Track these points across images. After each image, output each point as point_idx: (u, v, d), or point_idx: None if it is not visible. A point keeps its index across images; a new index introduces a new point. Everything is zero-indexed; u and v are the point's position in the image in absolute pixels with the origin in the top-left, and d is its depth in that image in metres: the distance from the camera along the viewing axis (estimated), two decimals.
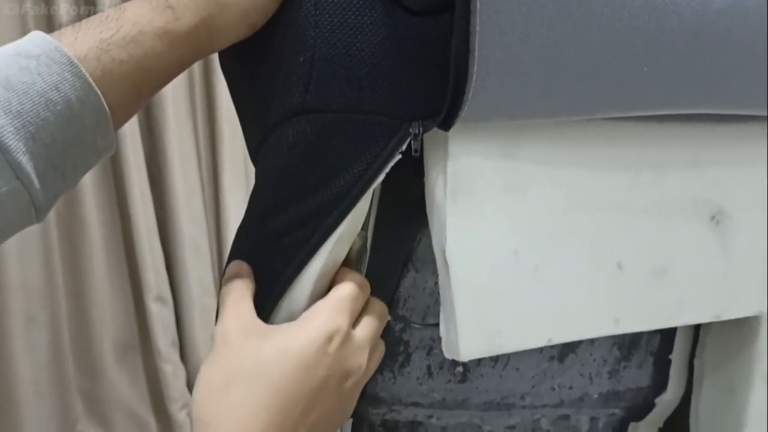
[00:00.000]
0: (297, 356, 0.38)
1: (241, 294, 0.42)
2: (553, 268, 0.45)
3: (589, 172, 0.45)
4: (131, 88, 0.38)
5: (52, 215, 1.42)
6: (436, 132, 0.41)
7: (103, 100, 0.36)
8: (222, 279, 0.45)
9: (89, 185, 1.44)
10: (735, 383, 0.60)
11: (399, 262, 0.54)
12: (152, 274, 1.49)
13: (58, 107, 0.35)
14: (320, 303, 0.41)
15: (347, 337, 0.40)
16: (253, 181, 0.49)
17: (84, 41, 0.36)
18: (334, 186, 0.41)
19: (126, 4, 0.38)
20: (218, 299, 0.44)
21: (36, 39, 0.35)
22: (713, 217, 0.49)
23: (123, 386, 1.54)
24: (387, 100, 0.39)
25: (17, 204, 0.36)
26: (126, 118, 0.41)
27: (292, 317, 0.44)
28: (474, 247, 0.43)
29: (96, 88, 0.35)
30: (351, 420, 0.63)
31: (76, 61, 0.35)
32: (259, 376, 0.37)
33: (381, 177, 0.41)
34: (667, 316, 0.50)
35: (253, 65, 0.45)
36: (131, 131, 1.45)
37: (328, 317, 0.40)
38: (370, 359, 0.43)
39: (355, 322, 0.42)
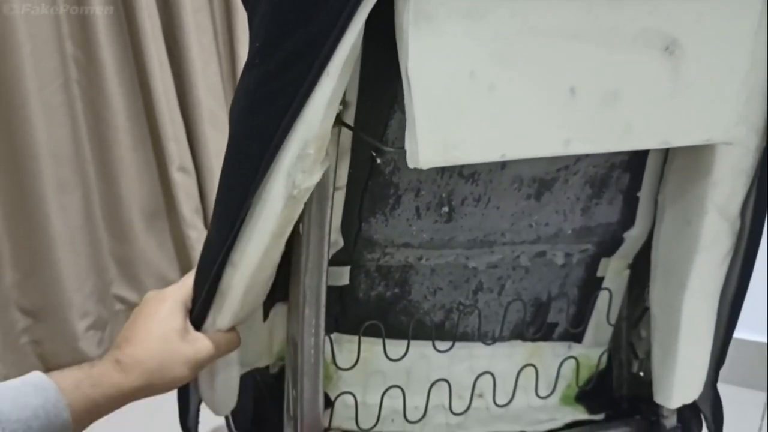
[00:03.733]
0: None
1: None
2: (508, 89, 0.48)
3: (545, 1, 0.47)
4: (91, 405, 0.57)
5: (75, 87, 1.46)
6: None
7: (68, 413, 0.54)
8: None
9: (109, 58, 1.47)
10: (691, 213, 0.64)
11: (386, 103, 0.57)
12: (174, 144, 1.54)
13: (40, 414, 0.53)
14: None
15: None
16: None
17: (66, 377, 0.55)
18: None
19: (97, 362, 0.59)
20: None
21: (35, 377, 0.55)
22: (667, 48, 0.51)
23: (152, 251, 1.63)
24: None
25: None
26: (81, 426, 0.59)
27: (306, 143, 0.49)
28: (433, 67, 0.46)
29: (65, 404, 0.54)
30: (349, 267, 0.68)
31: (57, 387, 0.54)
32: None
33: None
34: (617, 140, 0.52)
35: None
36: (147, 3, 1.45)
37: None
38: None
39: None
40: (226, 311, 0.59)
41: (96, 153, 1.52)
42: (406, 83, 0.47)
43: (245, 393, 0.70)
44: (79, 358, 1.50)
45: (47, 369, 1.50)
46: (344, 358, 0.72)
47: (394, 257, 0.69)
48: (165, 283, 1.64)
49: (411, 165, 0.49)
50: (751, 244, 0.66)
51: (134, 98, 1.54)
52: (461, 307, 0.76)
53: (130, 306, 1.64)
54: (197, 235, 1.62)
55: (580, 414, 0.80)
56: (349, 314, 0.71)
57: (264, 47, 0.49)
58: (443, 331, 0.76)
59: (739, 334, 1.30)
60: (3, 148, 1.36)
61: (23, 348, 1.46)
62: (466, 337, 0.77)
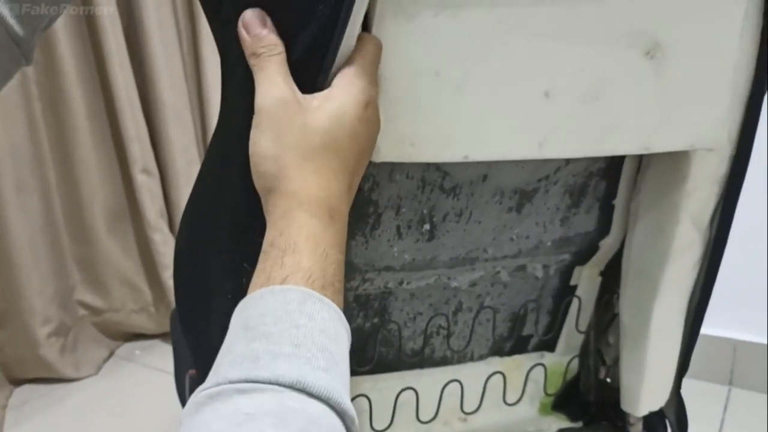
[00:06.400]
0: (349, 126, 0.43)
1: (281, 58, 0.45)
2: (477, 89, 0.46)
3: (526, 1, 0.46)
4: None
5: (33, 87, 1.42)
6: None
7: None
8: (240, 35, 0.46)
9: (68, 55, 1.42)
10: (664, 221, 0.64)
11: None
12: (137, 145, 1.51)
13: None
14: (350, 72, 0.44)
15: (376, 102, 0.46)
16: None
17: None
18: None
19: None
20: (248, 57, 0.46)
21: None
22: (648, 52, 0.49)
23: (116, 254, 1.59)
24: None
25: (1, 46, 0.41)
26: None
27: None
28: (397, 62, 0.45)
29: None
30: None
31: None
32: (326, 146, 0.43)
33: None
34: (595, 143, 0.51)
35: None
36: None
37: (364, 87, 0.44)
38: None
39: None
40: None
41: (56, 154, 1.48)
42: None
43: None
44: (41, 366, 1.46)
45: (8, 377, 1.47)
46: None
47: (374, 283, 0.67)
48: (130, 288, 1.61)
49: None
50: (716, 253, 0.66)
51: (95, 97, 1.50)
52: (441, 331, 0.75)
53: (94, 311, 1.60)
54: (162, 238, 1.59)
55: (563, 422, 0.81)
56: None
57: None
58: (423, 358, 0.75)
59: (702, 329, 1.35)
60: None
61: None
62: (445, 362, 0.77)
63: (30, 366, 1.46)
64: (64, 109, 1.46)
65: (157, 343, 1.66)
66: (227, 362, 0.36)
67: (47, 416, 1.38)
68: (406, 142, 0.47)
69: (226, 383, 0.33)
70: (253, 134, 0.44)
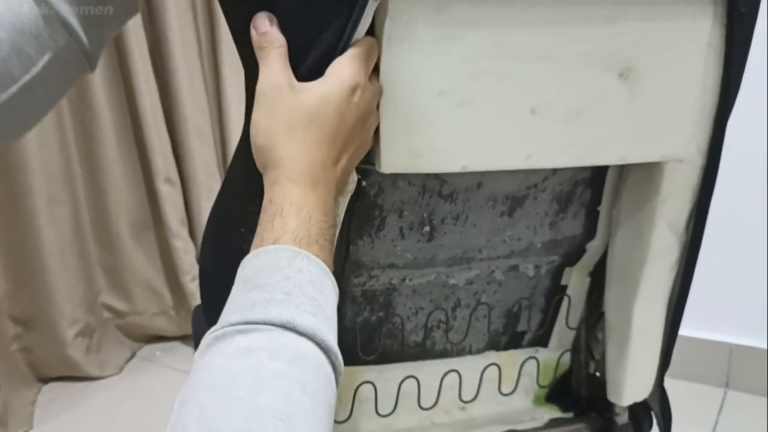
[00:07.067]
0: (335, 105, 0.49)
1: (281, 51, 0.51)
2: (474, 107, 0.53)
3: (510, 29, 0.52)
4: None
5: (64, 104, 1.50)
6: None
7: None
8: (251, 34, 0.52)
9: (97, 75, 1.51)
10: (642, 226, 0.70)
11: None
12: (160, 157, 1.59)
13: None
14: (342, 61, 0.50)
15: (365, 88, 0.51)
16: None
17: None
18: None
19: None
20: (255, 51, 0.52)
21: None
22: (621, 74, 0.56)
23: (139, 261, 1.67)
24: None
25: (72, 56, 0.50)
26: None
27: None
28: (402, 83, 0.51)
29: None
30: None
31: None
32: (311, 121, 0.49)
33: None
34: (577, 155, 0.57)
35: None
36: (133, 21, 1.50)
37: (352, 73, 0.49)
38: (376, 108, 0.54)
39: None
40: None
41: (85, 168, 1.57)
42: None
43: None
44: (67, 365, 1.54)
45: (37, 376, 1.55)
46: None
47: (380, 280, 0.73)
48: (152, 292, 1.69)
49: (377, 169, 0.54)
50: (691, 255, 0.72)
51: (122, 114, 1.59)
52: (440, 325, 0.81)
53: (117, 314, 1.68)
54: (183, 245, 1.67)
55: (555, 413, 0.86)
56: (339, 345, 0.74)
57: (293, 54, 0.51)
58: (424, 350, 0.81)
59: (699, 333, 1.39)
60: None
61: (13, 355, 1.50)
62: (445, 354, 0.82)
63: (57, 365, 1.54)
64: (93, 126, 1.55)
65: (177, 344, 1.73)
66: (230, 310, 0.42)
67: (73, 413, 1.45)
68: (412, 155, 0.53)
69: (228, 326, 0.40)
70: (252, 113, 0.51)
